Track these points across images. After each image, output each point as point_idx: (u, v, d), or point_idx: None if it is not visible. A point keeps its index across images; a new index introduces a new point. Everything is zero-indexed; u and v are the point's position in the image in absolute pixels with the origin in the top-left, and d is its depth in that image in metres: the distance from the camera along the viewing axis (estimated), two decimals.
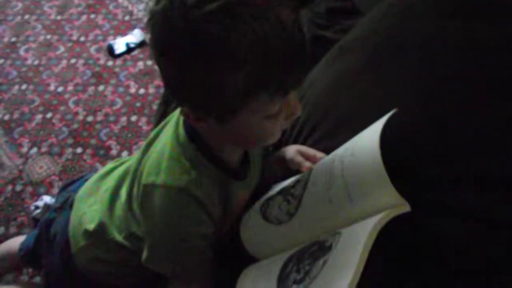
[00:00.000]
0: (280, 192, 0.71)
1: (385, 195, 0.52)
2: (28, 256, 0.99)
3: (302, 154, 0.76)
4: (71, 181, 0.97)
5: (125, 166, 0.83)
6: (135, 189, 0.73)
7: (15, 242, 1.05)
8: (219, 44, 0.51)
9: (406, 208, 0.51)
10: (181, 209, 0.66)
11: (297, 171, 0.74)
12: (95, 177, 0.89)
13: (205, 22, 0.51)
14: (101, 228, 0.79)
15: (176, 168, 0.65)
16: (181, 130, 0.67)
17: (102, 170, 0.89)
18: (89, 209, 0.82)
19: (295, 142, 0.86)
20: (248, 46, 0.51)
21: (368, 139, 0.58)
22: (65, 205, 0.89)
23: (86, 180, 0.90)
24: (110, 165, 0.90)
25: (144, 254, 0.71)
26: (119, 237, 0.77)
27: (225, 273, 0.74)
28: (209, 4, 0.51)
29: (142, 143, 0.77)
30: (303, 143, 0.82)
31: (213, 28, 0.51)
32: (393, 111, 0.60)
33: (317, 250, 0.55)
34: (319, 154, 0.74)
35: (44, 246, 0.91)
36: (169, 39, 0.55)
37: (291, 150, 0.78)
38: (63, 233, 0.85)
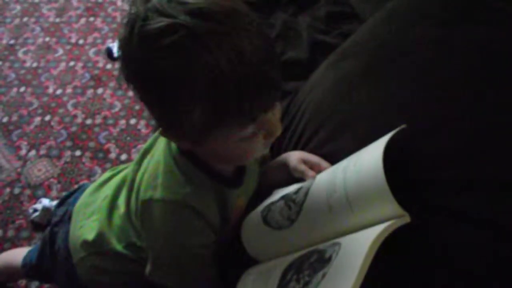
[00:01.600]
0: (282, 198, 0.71)
1: (386, 207, 0.53)
2: (32, 271, 0.99)
3: (305, 162, 0.74)
4: (68, 193, 0.96)
5: (122, 175, 0.83)
6: (132, 202, 0.73)
7: (16, 255, 1.04)
8: (174, 80, 0.52)
9: (406, 219, 0.52)
10: (181, 222, 0.66)
11: (301, 179, 0.73)
12: (92, 187, 0.88)
13: (159, 58, 0.51)
14: (100, 238, 0.79)
15: (172, 182, 0.65)
16: (173, 144, 0.67)
17: (99, 180, 0.89)
18: (88, 219, 0.82)
19: (296, 145, 0.85)
20: (202, 80, 0.50)
21: (372, 152, 0.58)
22: (64, 218, 0.89)
23: (83, 191, 0.90)
24: (107, 174, 0.89)
25: (148, 268, 0.71)
26: (118, 247, 0.77)
27: (227, 273, 0.74)
28: (162, 39, 0.50)
29: (141, 147, 0.76)
30: (304, 147, 0.82)
31: (166, 65, 0.51)
32: (400, 127, 0.60)
33: (317, 261, 0.56)
34: (323, 163, 0.73)
35: (48, 261, 0.91)
36: (129, 69, 0.56)
37: (294, 158, 0.76)
38: (64, 246, 0.85)
